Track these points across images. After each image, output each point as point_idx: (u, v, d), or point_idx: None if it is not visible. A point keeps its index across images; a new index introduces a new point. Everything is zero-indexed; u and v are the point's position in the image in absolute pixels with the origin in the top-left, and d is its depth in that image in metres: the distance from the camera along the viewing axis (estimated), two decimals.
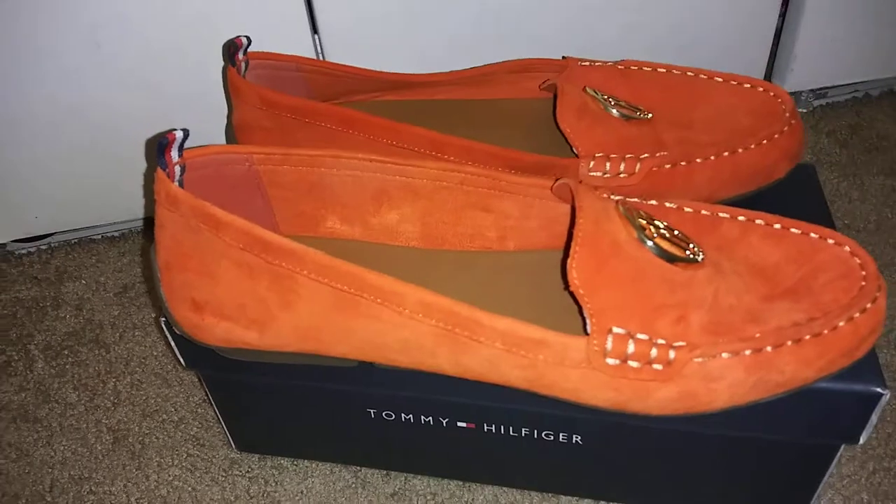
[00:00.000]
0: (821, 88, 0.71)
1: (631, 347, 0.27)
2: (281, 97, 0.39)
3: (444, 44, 0.55)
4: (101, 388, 0.51)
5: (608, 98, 0.40)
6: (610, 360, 0.28)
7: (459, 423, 0.39)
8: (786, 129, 0.39)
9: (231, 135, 0.42)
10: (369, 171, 0.35)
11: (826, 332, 0.28)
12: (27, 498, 0.45)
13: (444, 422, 0.39)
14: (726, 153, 0.38)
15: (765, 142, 0.38)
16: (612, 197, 0.32)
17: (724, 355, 0.27)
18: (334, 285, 0.29)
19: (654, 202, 0.34)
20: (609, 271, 0.28)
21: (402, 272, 0.36)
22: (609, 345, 0.27)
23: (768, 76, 0.70)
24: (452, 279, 0.36)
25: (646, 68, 0.43)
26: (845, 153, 0.65)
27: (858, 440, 0.34)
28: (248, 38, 0.40)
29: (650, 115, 0.40)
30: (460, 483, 0.44)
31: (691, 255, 0.30)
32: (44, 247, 0.63)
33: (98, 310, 0.57)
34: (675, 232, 0.31)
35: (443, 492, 0.44)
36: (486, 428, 0.39)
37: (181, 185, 0.33)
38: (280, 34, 0.51)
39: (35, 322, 0.56)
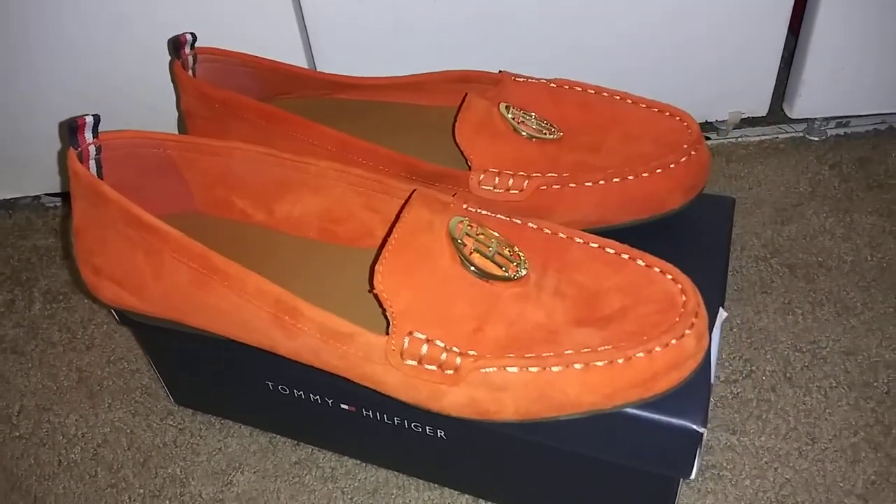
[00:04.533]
0: (842, 117, 0.68)
1: (424, 350, 0.29)
2: (211, 90, 0.43)
3: (430, 50, 0.58)
4: (81, 333, 0.58)
5: (522, 115, 0.42)
6: (409, 361, 0.30)
7: (342, 405, 0.42)
8: (683, 160, 0.39)
9: (181, 121, 0.46)
10: (269, 164, 0.39)
11: (619, 360, 0.29)
12: None
13: (329, 402, 0.42)
14: (616, 179, 0.39)
15: (658, 171, 0.39)
16: (469, 208, 0.34)
17: (511, 369, 0.29)
18: (189, 264, 0.33)
19: (517, 221, 0.35)
20: (415, 279, 0.30)
21: (293, 261, 0.40)
22: (405, 346, 0.30)
23: (779, 99, 0.68)
24: (335, 272, 0.39)
25: (576, 88, 0.44)
26: (844, 187, 0.63)
27: (689, 474, 0.34)
28: (192, 34, 0.44)
29: (560, 135, 0.41)
30: (358, 462, 0.47)
31: (509, 274, 0.31)
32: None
33: None
34: (507, 250, 0.32)
35: (341, 467, 0.47)
36: (364, 412, 0.41)
37: (98, 163, 0.37)
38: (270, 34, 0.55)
39: (44, 268, 0.63)
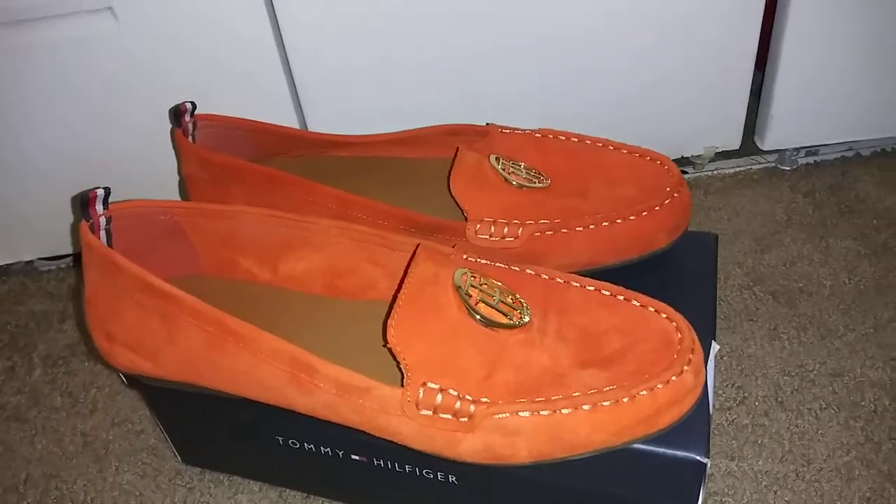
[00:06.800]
0: (811, 146, 0.71)
1: (439, 399, 0.31)
2: (213, 155, 0.44)
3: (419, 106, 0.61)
4: (84, 396, 0.58)
5: (511, 166, 0.44)
6: (424, 412, 0.31)
7: (353, 456, 0.43)
8: (667, 202, 0.41)
9: (182, 186, 0.48)
10: (273, 225, 0.40)
11: (624, 399, 0.31)
12: (4, 487, 0.52)
13: (340, 454, 0.43)
14: (605, 223, 0.41)
15: (644, 214, 0.41)
16: (470, 259, 0.36)
17: (522, 413, 0.30)
18: (204, 327, 0.34)
19: (516, 268, 0.37)
20: (426, 331, 0.32)
21: (300, 316, 0.41)
22: (420, 396, 0.31)
23: (750, 133, 0.71)
24: (341, 326, 0.40)
25: (560, 137, 0.47)
26: (818, 214, 0.65)
27: None
28: (192, 103, 0.46)
29: (548, 183, 0.44)
30: None
31: (513, 321, 0.33)
32: (63, 265, 0.71)
33: None
34: (510, 298, 0.34)
35: None
36: (375, 462, 0.42)
37: (108, 233, 0.39)
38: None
39: (41, 333, 0.64)
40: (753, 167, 0.71)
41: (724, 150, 0.70)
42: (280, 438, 0.44)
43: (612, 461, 0.35)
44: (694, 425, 0.34)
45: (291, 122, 0.60)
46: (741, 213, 0.66)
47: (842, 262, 0.61)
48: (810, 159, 0.71)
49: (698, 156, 0.70)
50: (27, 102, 0.59)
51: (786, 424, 0.50)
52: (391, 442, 0.34)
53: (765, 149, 0.70)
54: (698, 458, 0.33)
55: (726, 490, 0.46)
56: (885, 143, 0.71)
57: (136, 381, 0.44)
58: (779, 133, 0.68)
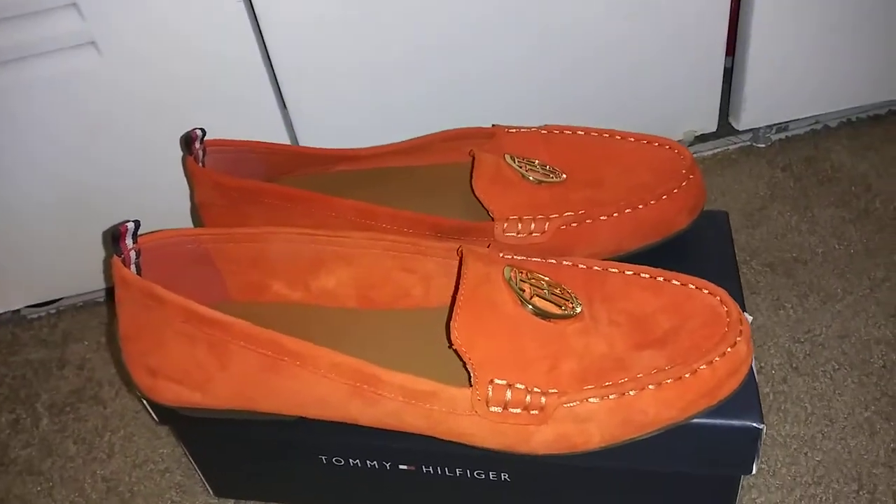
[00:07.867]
0: (782, 123, 0.74)
1: (508, 395, 0.31)
2: (228, 179, 0.44)
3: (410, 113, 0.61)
4: (98, 441, 0.56)
5: (526, 163, 0.45)
6: (493, 408, 0.32)
7: (401, 466, 0.43)
8: (683, 184, 0.42)
9: (195, 213, 0.47)
10: (303, 242, 0.40)
11: (686, 375, 0.31)
12: None
13: (388, 465, 0.43)
14: (628, 210, 0.42)
15: (664, 197, 0.42)
16: (506, 256, 0.37)
17: (592, 399, 0.31)
18: (258, 350, 0.34)
19: (553, 261, 0.38)
20: (488, 329, 0.32)
21: (337, 331, 0.41)
22: (490, 394, 0.31)
23: (724, 116, 0.73)
24: (381, 336, 0.40)
25: (566, 132, 0.48)
26: (799, 186, 0.68)
27: (751, 470, 0.37)
28: (202, 129, 0.45)
29: (564, 177, 0.44)
30: None
31: (567, 311, 0.34)
32: (52, 311, 0.69)
33: (98, 368, 0.62)
34: (558, 290, 0.35)
35: None
36: (424, 469, 0.42)
37: (139, 267, 0.38)
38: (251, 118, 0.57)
39: (41, 382, 0.62)
40: (730, 147, 0.74)
41: (701, 133, 0.72)
42: (323, 457, 0.44)
43: (670, 438, 0.35)
44: (744, 394, 0.35)
45: (283, 140, 0.60)
46: (726, 193, 0.69)
47: (829, 229, 0.63)
48: (782, 135, 0.74)
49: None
50: (9, 147, 0.57)
51: (804, 388, 0.51)
52: (453, 444, 0.34)
53: (740, 129, 0.72)
54: (754, 424, 0.35)
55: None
56: (850, 114, 0.75)
57: (169, 417, 0.43)
58: (752, 113, 0.71)
